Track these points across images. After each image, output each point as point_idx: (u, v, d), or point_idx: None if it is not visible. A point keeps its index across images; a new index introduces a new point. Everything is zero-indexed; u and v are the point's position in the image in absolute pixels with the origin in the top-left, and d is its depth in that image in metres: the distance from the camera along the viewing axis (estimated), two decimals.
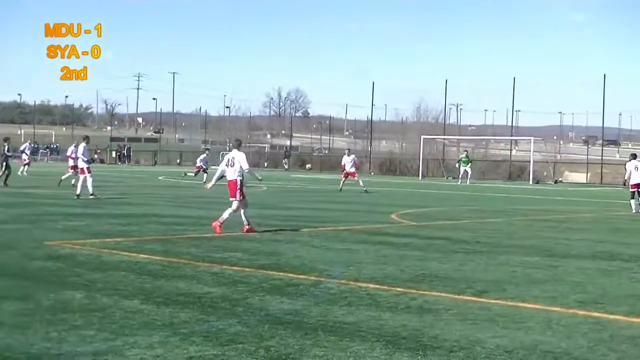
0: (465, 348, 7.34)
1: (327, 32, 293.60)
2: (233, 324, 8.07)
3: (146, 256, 13.00)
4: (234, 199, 17.27)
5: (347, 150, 42.75)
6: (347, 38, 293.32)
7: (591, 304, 9.83)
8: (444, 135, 79.59)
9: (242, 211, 17.36)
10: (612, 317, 9.04)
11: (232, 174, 17.40)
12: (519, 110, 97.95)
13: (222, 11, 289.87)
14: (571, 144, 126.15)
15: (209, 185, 18.22)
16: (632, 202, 28.46)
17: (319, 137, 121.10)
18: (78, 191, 27.20)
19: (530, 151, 66.22)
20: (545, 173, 68.52)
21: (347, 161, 38.95)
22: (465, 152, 61.08)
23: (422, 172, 68.71)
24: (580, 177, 70.46)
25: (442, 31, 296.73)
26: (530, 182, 61.22)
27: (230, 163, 17.46)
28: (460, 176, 57.09)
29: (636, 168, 28.48)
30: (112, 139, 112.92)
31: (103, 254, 13.23)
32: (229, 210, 17.18)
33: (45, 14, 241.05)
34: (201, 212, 22.45)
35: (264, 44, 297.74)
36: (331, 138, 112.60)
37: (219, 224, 17.03)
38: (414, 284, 10.93)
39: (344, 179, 38.97)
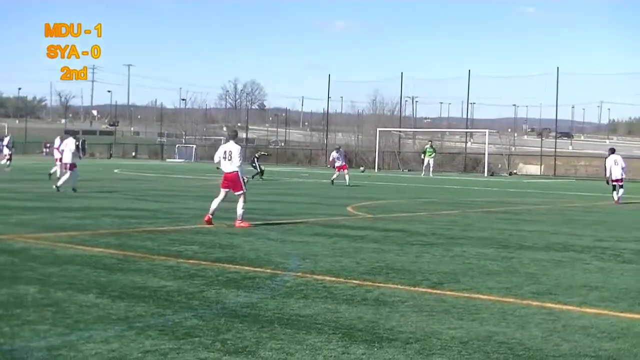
0: (421, 340, 7.38)
1: (284, 25, 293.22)
2: (189, 318, 8.04)
3: (101, 250, 12.92)
4: (239, 192, 17.26)
5: (337, 147, 43.39)
6: (302, 31, 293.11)
7: (545, 294, 9.93)
8: (400, 127, 79.87)
9: (217, 203, 17.32)
10: (565, 307, 9.14)
11: (229, 167, 17.33)
12: (474, 103, 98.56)
13: (178, 3, 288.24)
14: (525, 137, 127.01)
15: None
16: (614, 193, 29.61)
17: (275, 129, 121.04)
18: (59, 183, 27.24)
19: (485, 143, 66.70)
20: (500, 165, 69.01)
21: (335, 156, 39.95)
22: (430, 143, 61.40)
23: (378, 165, 68.89)
24: (534, 169, 71.09)
25: (397, 24, 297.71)
26: (485, 174, 61.66)
27: (227, 156, 17.36)
28: (424, 167, 57.41)
29: (615, 162, 29.47)
30: (67, 132, 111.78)
31: (57, 247, 13.11)
32: (240, 204, 17.18)
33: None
34: (157, 206, 22.35)
35: (220, 36, 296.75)
36: (287, 131, 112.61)
37: (238, 221, 17.03)
38: (370, 276, 10.96)
39: (337, 172, 39.58)
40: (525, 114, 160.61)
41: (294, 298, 9.22)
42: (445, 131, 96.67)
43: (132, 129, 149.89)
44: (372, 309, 8.72)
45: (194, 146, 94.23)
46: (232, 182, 17.31)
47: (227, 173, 17.37)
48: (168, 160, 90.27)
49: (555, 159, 70.49)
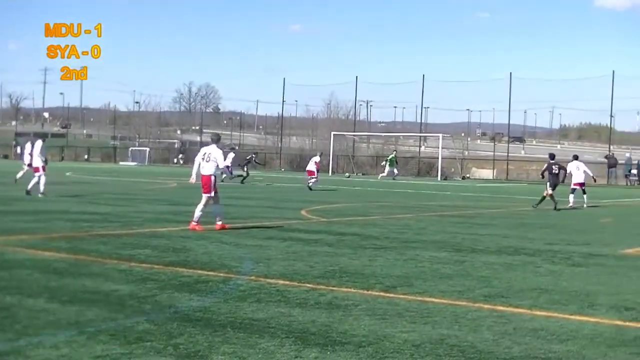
0: (374, 343, 7.40)
1: (239, 28, 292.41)
2: (141, 322, 7.99)
3: (52, 254, 12.77)
4: (207, 194, 17.18)
5: (320, 152, 44.66)
6: (257, 34, 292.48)
7: (496, 297, 10.01)
8: (354, 131, 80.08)
9: (212, 207, 17.32)
10: (516, 310, 9.22)
11: (206, 169, 17.29)
12: (427, 107, 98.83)
13: (131, 4, 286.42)
14: (478, 141, 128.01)
15: (191, 179, 18.16)
16: (571, 196, 30.37)
17: (230, 133, 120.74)
18: (41, 189, 26.84)
19: (438, 147, 67.09)
20: (453, 169, 69.49)
21: (318, 161, 40.90)
22: (394, 153, 61.59)
23: (332, 168, 68.99)
24: (487, 173, 71.69)
25: (353, 28, 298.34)
26: (439, 178, 62.00)
27: (206, 158, 17.33)
28: (385, 173, 57.37)
29: (577, 168, 30.95)
30: (17, 134, 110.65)
31: (6, 251, 12.94)
32: (200, 207, 17.12)
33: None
34: (109, 209, 22.18)
35: (174, 38, 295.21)
36: (242, 134, 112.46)
37: (194, 223, 16.97)
38: (323, 280, 10.97)
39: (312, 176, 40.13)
40: (479, 118, 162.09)
41: (247, 302, 9.19)
42: (400, 135, 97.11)
43: (84, 131, 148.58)
44: (325, 312, 8.73)
45: (148, 149, 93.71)
46: (205, 184, 17.25)
47: (203, 175, 17.32)
48: (121, 163, 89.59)
49: (507, 163, 71.15)
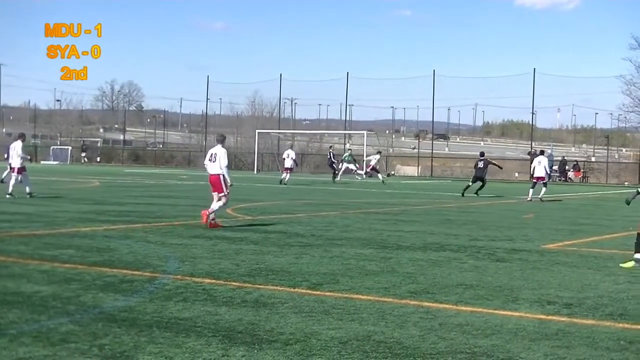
0: (301, 341, 7.40)
1: (162, 25, 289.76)
2: (65, 323, 7.87)
3: None
4: (221, 194, 17.94)
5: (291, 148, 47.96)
6: (180, 32, 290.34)
7: (422, 293, 10.10)
8: (279, 129, 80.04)
9: (212, 205, 17.93)
10: (441, 306, 9.31)
11: (214, 169, 18.00)
12: (352, 105, 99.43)
13: (52, 3, 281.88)
14: (403, 138, 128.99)
15: None
16: (531, 190, 32.91)
17: (153, 131, 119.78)
18: (9, 190, 26.29)
19: (363, 145, 67.37)
20: (378, 166, 69.84)
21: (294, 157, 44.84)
22: (350, 151, 61.30)
23: (257, 166, 68.86)
24: (411, 170, 72.28)
25: (277, 25, 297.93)
26: (364, 176, 62.23)
27: (212, 158, 18.06)
28: (341, 171, 56.52)
29: (539, 163, 33.31)
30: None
31: None
32: (220, 204, 17.95)
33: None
34: (31, 209, 21.81)
35: (95, 35, 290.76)
36: (165, 132, 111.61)
37: (207, 213, 17.65)
38: (249, 278, 10.95)
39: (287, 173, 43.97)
40: (403, 115, 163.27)
41: (173, 301, 9.13)
42: (324, 133, 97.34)
43: (4, 130, 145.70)
44: (251, 310, 8.71)
45: (70, 148, 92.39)
46: (215, 183, 17.97)
47: (211, 175, 18.14)
48: (42, 162, 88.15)
49: (432, 160, 71.82)
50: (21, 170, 26.79)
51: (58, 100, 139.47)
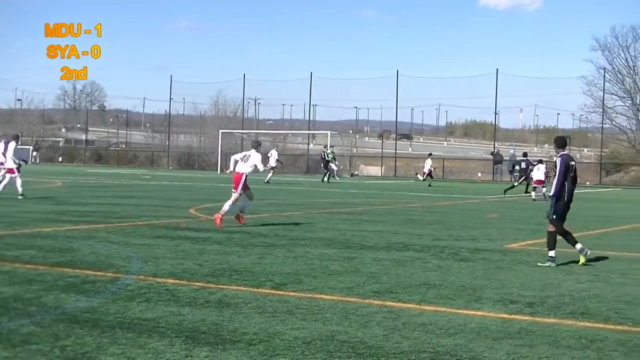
0: (265, 341, 7.39)
1: (124, 24, 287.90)
2: (26, 325, 7.80)
3: None
4: (235, 192, 18.71)
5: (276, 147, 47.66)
6: (143, 31, 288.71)
7: (386, 293, 10.12)
8: (242, 129, 79.83)
9: (243, 202, 18.85)
10: (405, 305, 9.34)
11: (241, 167, 18.89)
12: (316, 105, 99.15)
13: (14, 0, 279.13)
14: (367, 138, 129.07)
15: (228, 170, 20.08)
16: (533, 193, 34.99)
17: (116, 131, 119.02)
18: (0, 188, 25.88)
19: (327, 145, 67.34)
20: (342, 167, 69.93)
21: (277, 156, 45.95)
22: (332, 148, 61.10)
23: (220, 167, 68.65)
24: (375, 170, 72.41)
25: (240, 24, 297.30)
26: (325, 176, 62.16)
27: (244, 159, 18.96)
28: (335, 173, 55.77)
29: (538, 168, 35.81)
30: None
31: None
32: (229, 202, 18.56)
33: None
34: None
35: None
36: (128, 132, 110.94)
37: (220, 216, 18.04)
38: (213, 278, 10.92)
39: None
40: (367, 116, 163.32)
41: (136, 302, 9.08)
42: (288, 133, 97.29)
43: None
44: (215, 311, 8.69)
45: (30, 148, 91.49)
46: (236, 180, 18.80)
47: (236, 172, 18.94)
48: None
49: (395, 160, 71.99)
50: (11, 171, 26.46)
51: (19, 100, 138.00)
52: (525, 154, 40.85)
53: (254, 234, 16.70)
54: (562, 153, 13.75)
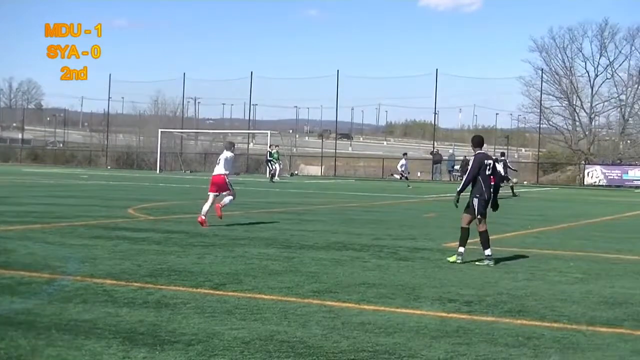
0: (204, 341, 7.35)
1: (61, 22, 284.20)
2: None
3: None
4: (229, 192, 19.52)
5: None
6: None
7: (325, 293, 10.13)
8: (182, 128, 79.41)
9: (208, 206, 19.09)
10: (344, 305, 9.35)
11: (217, 170, 19.53)
12: (256, 104, 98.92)
13: None
14: (307, 138, 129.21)
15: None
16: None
17: (54, 130, 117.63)
18: None
19: (267, 144, 67.31)
20: (282, 166, 69.91)
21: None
22: (277, 148, 60.73)
23: (160, 166, 68.25)
24: (315, 169, 72.53)
25: (179, 23, 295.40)
26: (267, 175, 62.18)
27: (219, 161, 19.65)
28: (276, 173, 55.20)
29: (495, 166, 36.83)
30: None
31: None
32: (229, 198, 19.52)
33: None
34: None
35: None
36: (66, 131, 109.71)
37: (220, 206, 19.18)
38: (151, 278, 10.83)
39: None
40: (307, 115, 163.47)
41: (73, 303, 8.97)
42: (228, 132, 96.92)
43: None
44: (153, 311, 8.62)
45: None
46: (220, 185, 19.40)
47: (214, 176, 19.54)
48: None
49: (335, 159, 72.15)
50: None
51: None
52: (502, 154, 42.29)
53: (193, 234, 16.61)
54: (478, 152, 13.95)
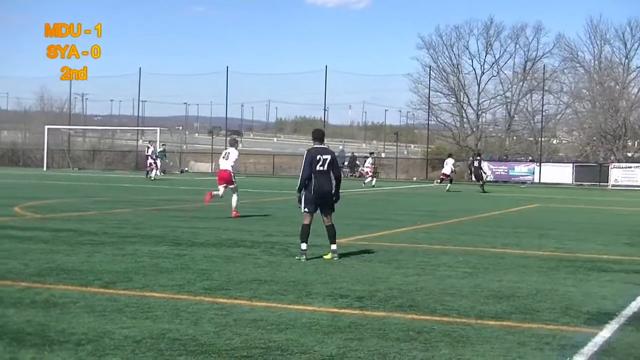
0: (94, 341, 7.26)
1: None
2: None
3: None
4: (232, 186, 21.70)
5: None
6: None
7: (217, 290, 10.11)
8: (70, 125, 77.97)
9: (232, 203, 21.42)
10: (236, 302, 9.35)
11: (224, 165, 21.74)
12: (145, 101, 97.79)
13: None
14: (197, 134, 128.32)
15: None
16: (448, 185, 41.11)
17: None
18: None
19: (156, 141, 66.64)
20: (171, 163, 69.30)
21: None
22: (164, 146, 59.59)
23: (47, 163, 66.86)
24: (205, 166, 72.11)
25: (59, 19, 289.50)
26: (159, 172, 61.54)
27: (225, 156, 21.79)
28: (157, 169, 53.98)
29: (446, 164, 42.08)
30: None
31: None
32: (234, 198, 21.57)
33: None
34: None
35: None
36: None
37: (234, 212, 21.19)
38: (39, 277, 10.63)
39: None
40: (197, 112, 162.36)
41: None
42: (116, 129, 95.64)
43: None
44: (42, 311, 8.46)
45: None
46: (226, 179, 21.57)
47: (221, 170, 21.86)
48: None
49: None
50: None
51: None
52: (478, 154, 46.46)
53: (81, 232, 16.35)
54: (312, 147, 13.96)
